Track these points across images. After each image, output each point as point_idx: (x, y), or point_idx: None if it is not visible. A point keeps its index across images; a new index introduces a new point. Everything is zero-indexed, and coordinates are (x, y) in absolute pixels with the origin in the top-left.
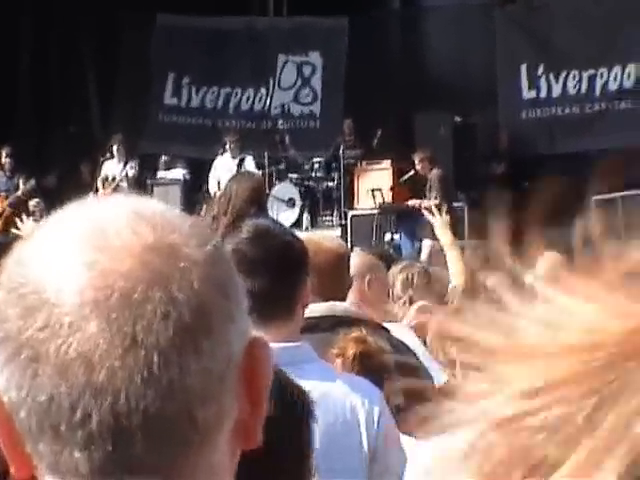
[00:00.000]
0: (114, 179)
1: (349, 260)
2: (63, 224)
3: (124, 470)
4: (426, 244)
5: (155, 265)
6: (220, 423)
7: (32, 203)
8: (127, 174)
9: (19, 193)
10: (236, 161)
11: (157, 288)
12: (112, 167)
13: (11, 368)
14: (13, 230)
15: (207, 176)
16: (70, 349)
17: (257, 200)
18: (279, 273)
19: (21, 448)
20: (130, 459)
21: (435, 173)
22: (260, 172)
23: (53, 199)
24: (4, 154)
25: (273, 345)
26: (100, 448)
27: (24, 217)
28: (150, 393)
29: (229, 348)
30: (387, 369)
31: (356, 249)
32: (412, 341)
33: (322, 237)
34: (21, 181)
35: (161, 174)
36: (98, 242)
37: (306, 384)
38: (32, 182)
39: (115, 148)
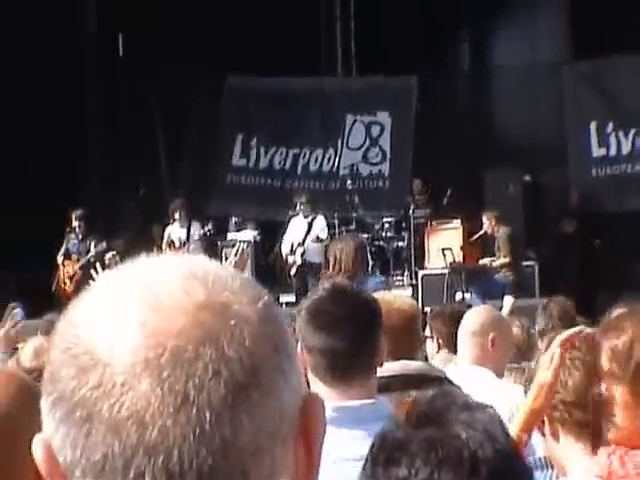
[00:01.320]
0: (182, 242)
1: (420, 319)
2: (115, 284)
3: None
4: (507, 301)
5: (207, 323)
6: (272, 478)
7: (108, 256)
8: (192, 237)
9: (90, 256)
10: (307, 221)
11: (208, 346)
12: (176, 231)
13: (66, 428)
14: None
15: (277, 237)
16: (122, 408)
17: (363, 259)
18: (358, 331)
19: None
20: None
21: (502, 231)
22: (331, 232)
23: (123, 262)
24: (75, 217)
25: (354, 403)
26: None
27: (99, 269)
28: (203, 451)
29: (280, 403)
30: None
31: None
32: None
33: (394, 296)
34: (92, 244)
35: (231, 236)
36: (150, 301)
37: None
38: (103, 244)
39: (177, 213)
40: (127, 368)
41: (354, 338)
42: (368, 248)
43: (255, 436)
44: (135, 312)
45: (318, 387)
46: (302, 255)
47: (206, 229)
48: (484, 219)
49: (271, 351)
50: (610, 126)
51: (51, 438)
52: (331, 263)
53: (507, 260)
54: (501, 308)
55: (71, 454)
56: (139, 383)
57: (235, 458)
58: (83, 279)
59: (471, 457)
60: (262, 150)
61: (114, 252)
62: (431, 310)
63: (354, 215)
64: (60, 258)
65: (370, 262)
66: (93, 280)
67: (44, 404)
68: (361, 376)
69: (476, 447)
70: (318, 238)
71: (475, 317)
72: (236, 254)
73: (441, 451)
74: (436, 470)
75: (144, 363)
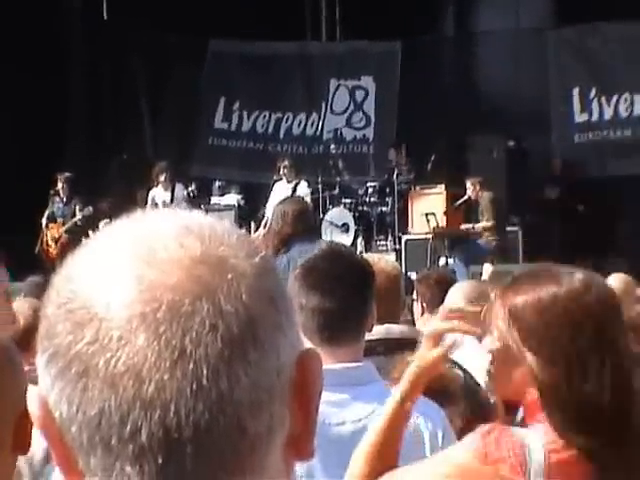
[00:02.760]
0: (166, 205)
1: (402, 281)
2: (110, 239)
3: None
4: (486, 268)
5: (203, 277)
6: (271, 435)
7: (102, 224)
8: (176, 199)
9: (76, 220)
10: (291, 186)
11: (205, 300)
12: (160, 193)
13: (62, 383)
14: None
15: (261, 201)
16: (119, 363)
17: (304, 223)
18: (351, 292)
19: (74, 463)
20: (182, 472)
21: (486, 196)
22: (314, 197)
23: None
24: (60, 180)
25: (338, 365)
26: (151, 462)
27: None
28: (200, 405)
29: (278, 359)
30: (449, 390)
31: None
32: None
33: (378, 257)
34: (77, 207)
35: (215, 200)
36: (146, 256)
37: (368, 405)
38: (90, 209)
39: (161, 176)
40: (123, 323)
41: (345, 299)
42: (311, 214)
43: (252, 391)
44: (131, 266)
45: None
46: None
47: (189, 189)
48: (468, 184)
49: (268, 305)
50: (593, 92)
51: (47, 393)
52: (271, 225)
53: (490, 224)
54: (481, 274)
55: (67, 409)
56: (136, 337)
57: (232, 413)
58: (68, 242)
59: None
60: (245, 114)
61: (107, 221)
62: (417, 274)
63: (337, 180)
64: (44, 221)
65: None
66: (80, 243)
67: (40, 360)
68: (350, 338)
69: None
70: None
71: (459, 290)
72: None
73: None
74: None
75: (140, 317)
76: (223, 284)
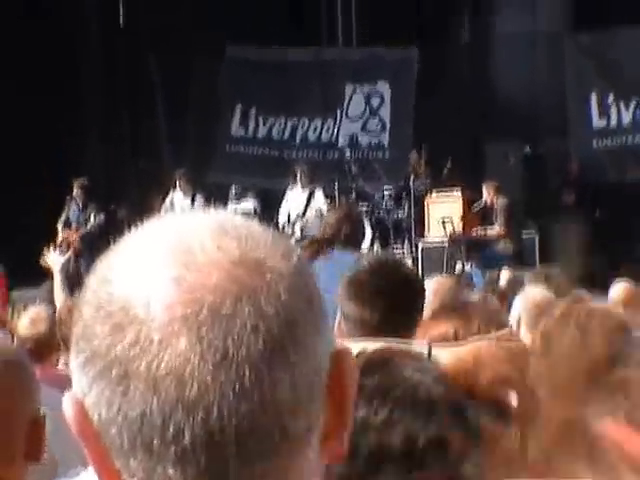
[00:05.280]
0: (183, 210)
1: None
2: (146, 241)
3: None
4: (504, 273)
5: (242, 279)
6: (309, 434)
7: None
8: (194, 206)
9: (91, 226)
10: (306, 193)
11: (245, 301)
12: (179, 199)
13: (101, 386)
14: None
15: (277, 208)
16: (161, 365)
17: (347, 227)
18: (394, 304)
19: (110, 464)
20: (224, 474)
21: (501, 202)
22: (331, 203)
23: (124, 232)
24: (76, 186)
25: None
26: (194, 464)
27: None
28: (242, 407)
29: (316, 359)
30: None
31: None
32: None
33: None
34: (92, 214)
35: (232, 206)
36: (184, 258)
37: None
38: (101, 217)
39: (181, 181)
40: (164, 325)
41: (392, 312)
42: (364, 221)
43: (293, 391)
44: (169, 268)
45: None
46: (302, 228)
47: (208, 196)
48: (484, 189)
49: (306, 305)
50: (611, 97)
51: (83, 395)
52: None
53: (503, 230)
54: (498, 280)
55: (106, 412)
56: (177, 340)
57: (274, 414)
58: (82, 249)
59: (427, 396)
60: (261, 120)
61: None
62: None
63: (354, 186)
64: (60, 225)
65: (365, 236)
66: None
67: (75, 362)
68: None
69: (429, 388)
70: (320, 211)
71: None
72: None
73: (396, 392)
74: (395, 409)
75: (182, 320)
76: (262, 285)
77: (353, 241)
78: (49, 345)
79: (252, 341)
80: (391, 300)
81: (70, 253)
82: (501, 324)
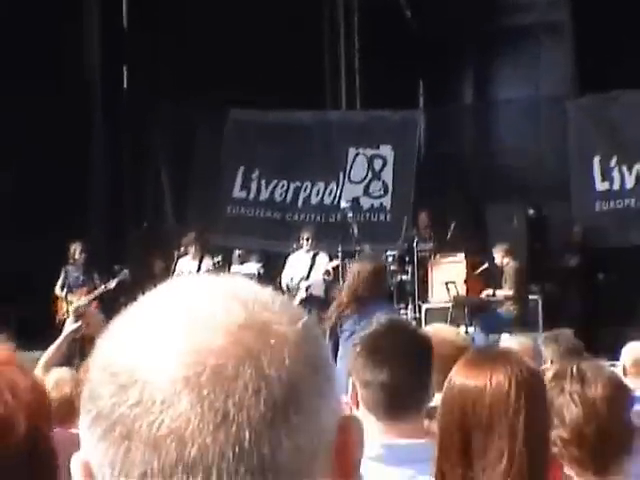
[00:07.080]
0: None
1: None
2: (155, 303)
3: None
4: (504, 339)
5: (246, 342)
6: None
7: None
8: (202, 270)
9: (113, 285)
10: (310, 256)
11: (248, 364)
12: (187, 264)
13: (105, 445)
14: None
15: (280, 270)
16: (162, 426)
17: (377, 284)
18: (415, 367)
19: None
20: None
21: (512, 265)
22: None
23: (127, 294)
24: (78, 250)
25: (404, 441)
26: None
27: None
28: (241, 469)
29: (319, 424)
30: None
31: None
32: None
33: (442, 328)
34: (95, 275)
35: (235, 269)
36: (189, 321)
37: None
38: (126, 272)
39: (189, 246)
40: (167, 386)
41: (413, 373)
42: (385, 277)
43: (294, 456)
44: (175, 331)
45: (369, 422)
46: (307, 289)
47: (215, 260)
48: (494, 252)
49: (310, 371)
50: (614, 160)
51: (89, 456)
52: (345, 286)
53: (511, 293)
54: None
55: (109, 472)
56: (179, 401)
57: (273, 477)
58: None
59: None
60: (263, 183)
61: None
62: None
63: (357, 248)
64: (60, 291)
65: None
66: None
67: (83, 422)
68: (415, 411)
69: None
70: (327, 272)
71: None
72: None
73: None
74: None
75: (184, 381)
76: (266, 349)
77: (386, 295)
78: (74, 407)
79: (253, 403)
80: (412, 362)
81: (81, 323)
82: None
